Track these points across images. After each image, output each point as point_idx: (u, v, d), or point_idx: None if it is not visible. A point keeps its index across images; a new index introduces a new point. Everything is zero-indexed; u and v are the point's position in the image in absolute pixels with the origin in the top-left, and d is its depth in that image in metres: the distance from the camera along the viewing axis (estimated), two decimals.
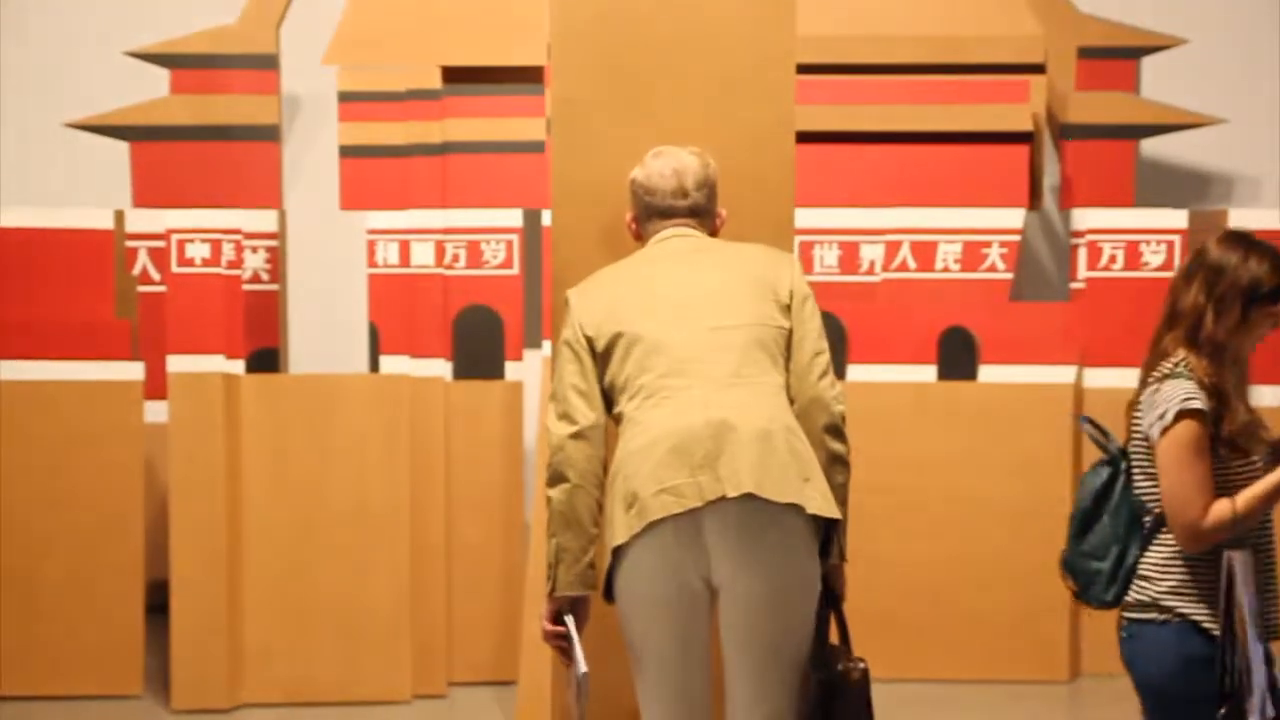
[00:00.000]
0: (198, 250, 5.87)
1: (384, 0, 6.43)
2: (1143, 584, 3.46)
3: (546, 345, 5.42)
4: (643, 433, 3.43)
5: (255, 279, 6.40)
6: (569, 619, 3.51)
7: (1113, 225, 6.27)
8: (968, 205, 6.40)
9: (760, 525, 3.36)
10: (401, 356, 6.08)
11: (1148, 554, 3.47)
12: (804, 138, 4.17)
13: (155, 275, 6.50)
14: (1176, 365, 3.43)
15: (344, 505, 5.95)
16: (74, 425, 5.95)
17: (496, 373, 6.20)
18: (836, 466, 3.51)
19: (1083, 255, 6.30)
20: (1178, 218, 6.28)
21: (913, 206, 6.41)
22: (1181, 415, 3.36)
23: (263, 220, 6.47)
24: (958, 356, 6.25)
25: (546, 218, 5.53)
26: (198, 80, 6.75)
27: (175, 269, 5.88)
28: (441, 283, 6.15)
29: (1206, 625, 3.39)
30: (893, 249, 6.41)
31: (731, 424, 3.38)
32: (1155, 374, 3.47)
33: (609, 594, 3.48)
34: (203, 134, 6.72)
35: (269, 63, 6.74)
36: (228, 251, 5.90)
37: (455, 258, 6.20)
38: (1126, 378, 5.90)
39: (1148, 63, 6.87)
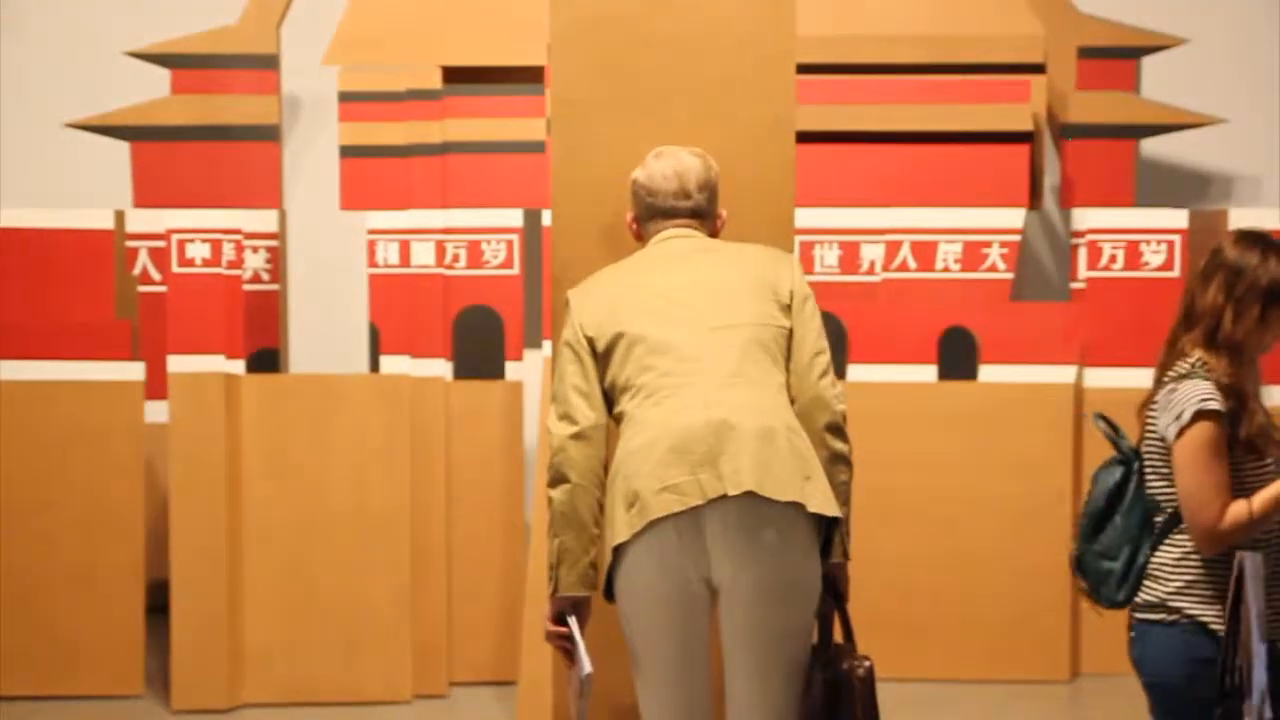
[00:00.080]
0: (198, 250, 5.87)
1: (384, 0, 6.43)
2: (1152, 584, 3.46)
3: (547, 345, 5.42)
4: (643, 431, 3.43)
5: (256, 279, 6.39)
6: (572, 619, 3.51)
7: (1113, 225, 6.27)
8: (968, 205, 6.40)
9: (761, 524, 3.36)
10: (402, 356, 6.08)
11: (1158, 554, 3.46)
12: (804, 138, 4.17)
13: (156, 275, 6.50)
14: (1194, 365, 3.41)
15: (344, 505, 5.96)
16: (74, 425, 5.95)
17: (497, 373, 6.20)
18: (839, 465, 3.51)
19: (1083, 255, 6.30)
20: (1178, 217, 6.28)
21: (913, 206, 6.41)
22: (1199, 416, 3.35)
23: (263, 220, 6.46)
24: (958, 356, 6.25)
25: (546, 218, 5.52)
26: (198, 80, 6.74)
27: (176, 269, 5.88)
28: (442, 283, 6.15)
29: (1215, 627, 3.37)
30: (893, 249, 6.41)
31: (732, 423, 3.38)
32: (1171, 374, 3.45)
33: (609, 593, 3.48)
34: (203, 134, 6.71)
35: (269, 63, 6.73)
36: (228, 251, 5.90)
37: (455, 258, 6.20)
38: (1127, 378, 6.04)
39: (1148, 63, 6.86)
